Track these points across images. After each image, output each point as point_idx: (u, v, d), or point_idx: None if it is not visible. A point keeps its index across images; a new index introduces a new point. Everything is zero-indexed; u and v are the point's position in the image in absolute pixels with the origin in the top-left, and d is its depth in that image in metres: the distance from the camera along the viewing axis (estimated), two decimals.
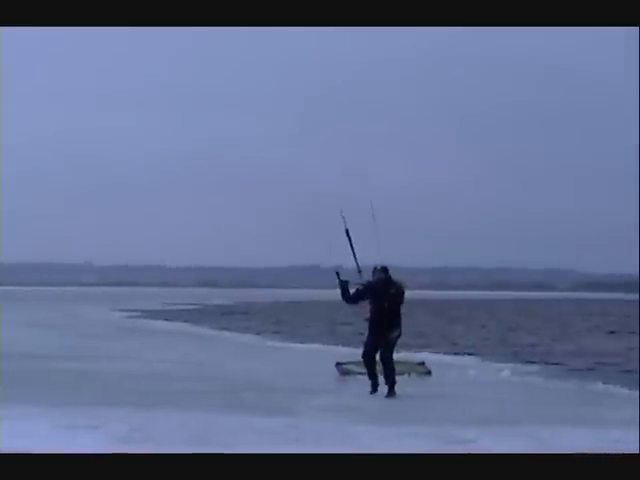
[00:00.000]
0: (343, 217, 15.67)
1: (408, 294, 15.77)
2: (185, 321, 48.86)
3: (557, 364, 24.47)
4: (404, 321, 15.63)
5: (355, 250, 15.57)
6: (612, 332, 42.68)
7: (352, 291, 15.52)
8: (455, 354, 26.84)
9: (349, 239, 15.60)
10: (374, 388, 15.52)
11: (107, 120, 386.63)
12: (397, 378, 15.60)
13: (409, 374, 18.58)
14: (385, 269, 15.42)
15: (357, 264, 15.59)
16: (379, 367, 15.59)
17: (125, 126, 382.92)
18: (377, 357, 15.52)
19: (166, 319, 50.98)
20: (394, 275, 15.53)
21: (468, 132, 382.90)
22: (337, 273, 15.47)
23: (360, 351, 15.97)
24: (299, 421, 12.21)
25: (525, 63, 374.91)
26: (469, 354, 26.66)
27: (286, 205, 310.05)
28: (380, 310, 15.29)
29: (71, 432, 10.59)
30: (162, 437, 10.47)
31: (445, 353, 26.95)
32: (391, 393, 15.36)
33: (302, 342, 31.61)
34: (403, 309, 15.66)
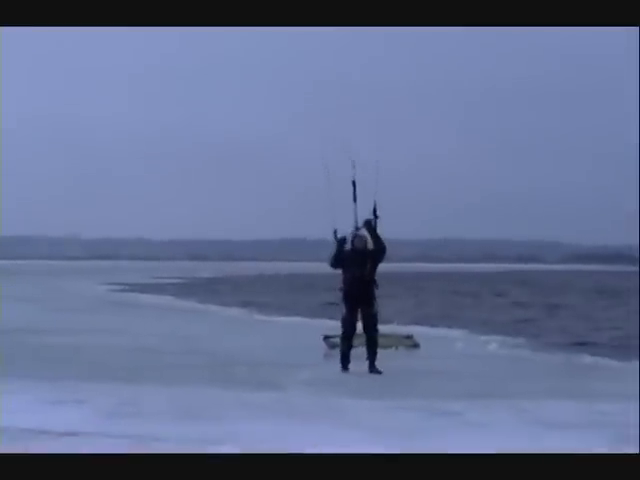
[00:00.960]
0: (353, 165, 15.17)
1: (390, 266, 15.60)
2: (173, 295, 48.82)
3: (544, 337, 24.54)
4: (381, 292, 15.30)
5: (357, 203, 15.18)
6: (599, 304, 42.84)
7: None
8: (443, 327, 26.89)
9: (354, 190, 15.23)
10: (345, 366, 15.02)
11: (96, 102, 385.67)
12: (385, 351, 15.48)
13: (397, 347, 18.59)
14: (368, 222, 14.94)
15: (356, 219, 15.16)
16: (361, 340, 15.15)
17: (114, 107, 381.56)
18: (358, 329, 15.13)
19: (154, 293, 50.95)
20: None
21: (468, 115, 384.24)
22: (335, 231, 15.18)
23: None
24: (288, 395, 12.23)
25: (525, 63, 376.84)
26: (457, 327, 26.71)
27: (279, 181, 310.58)
28: (360, 274, 14.82)
29: (58, 407, 10.54)
30: (151, 411, 10.45)
31: (432, 326, 27.01)
32: (373, 369, 14.87)
33: (289, 315, 31.61)
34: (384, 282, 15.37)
